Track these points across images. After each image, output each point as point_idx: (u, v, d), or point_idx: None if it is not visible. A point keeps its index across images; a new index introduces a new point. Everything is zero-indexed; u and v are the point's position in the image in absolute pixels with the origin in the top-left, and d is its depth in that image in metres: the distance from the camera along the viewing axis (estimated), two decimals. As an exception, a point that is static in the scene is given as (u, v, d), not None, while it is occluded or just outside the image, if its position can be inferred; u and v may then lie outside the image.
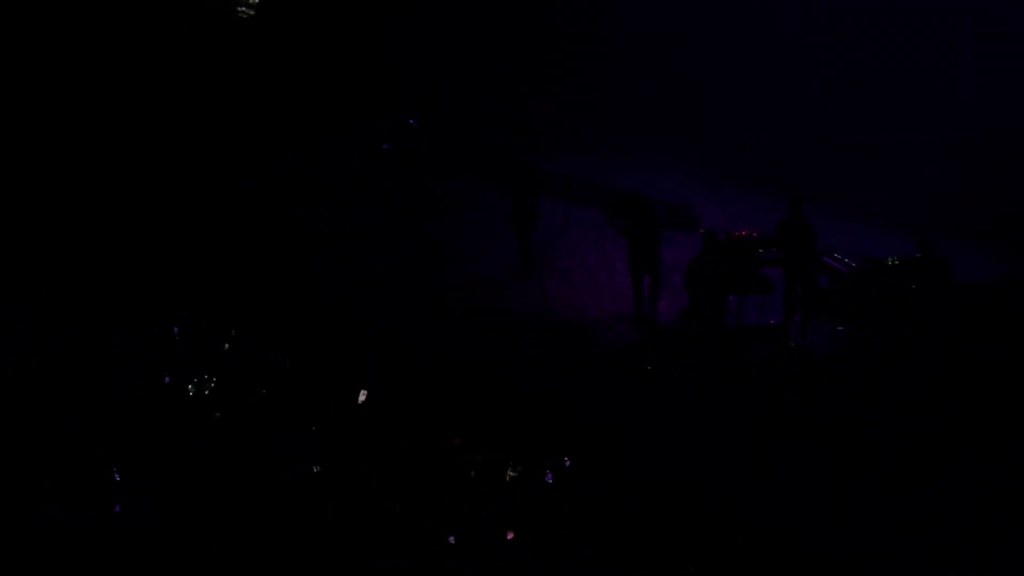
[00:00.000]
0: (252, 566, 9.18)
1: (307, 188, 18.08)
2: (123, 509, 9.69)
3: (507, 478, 10.25)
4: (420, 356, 12.94)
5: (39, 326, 12.91)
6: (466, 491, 10.03)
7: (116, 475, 10.12)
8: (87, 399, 11.34)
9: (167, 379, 11.88)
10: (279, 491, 9.99)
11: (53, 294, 13.73)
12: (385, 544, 9.43)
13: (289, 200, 17.73)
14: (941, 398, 11.52)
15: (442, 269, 15.99)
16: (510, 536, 9.49)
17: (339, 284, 15.22)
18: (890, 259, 13.19)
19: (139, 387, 11.63)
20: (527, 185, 15.64)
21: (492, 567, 9.24)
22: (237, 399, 11.47)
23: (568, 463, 10.48)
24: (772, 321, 13.64)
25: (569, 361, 13.04)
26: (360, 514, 9.72)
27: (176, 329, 12.89)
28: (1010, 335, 12.05)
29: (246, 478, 10.13)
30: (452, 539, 9.45)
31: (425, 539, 9.45)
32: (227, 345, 12.55)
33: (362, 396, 11.62)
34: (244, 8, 19.05)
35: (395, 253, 16.27)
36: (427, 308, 14.48)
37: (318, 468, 10.33)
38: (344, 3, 19.62)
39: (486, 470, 10.38)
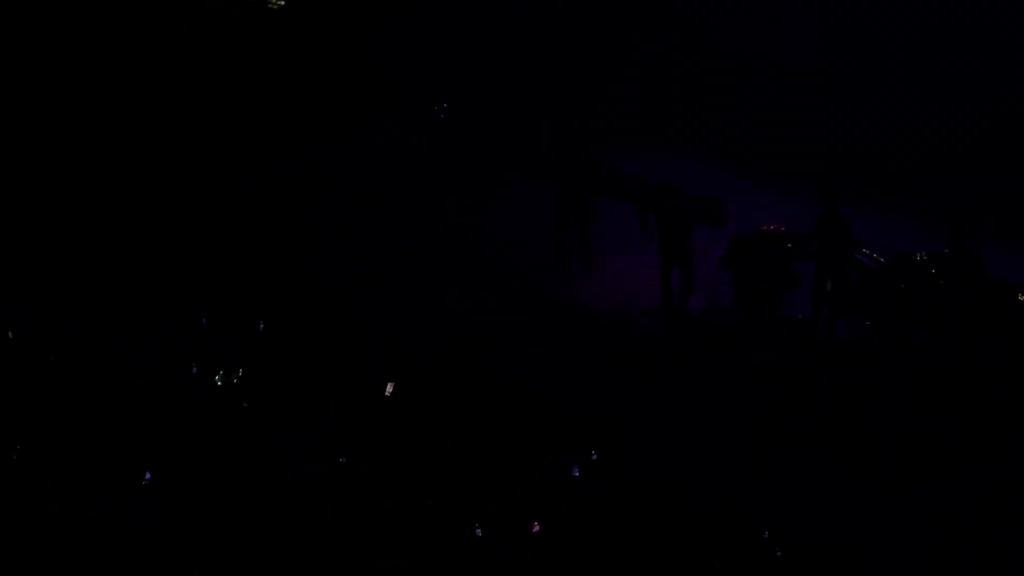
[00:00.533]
0: (252, 566, 9.18)
1: (307, 188, 18.09)
2: (123, 509, 9.70)
3: (508, 477, 10.25)
4: (420, 356, 12.95)
5: (39, 326, 12.91)
6: (466, 491, 10.04)
7: (148, 475, 10.14)
8: (87, 399, 11.35)
9: (195, 369, 11.93)
10: (279, 491, 9.99)
11: (53, 294, 13.73)
12: (385, 544, 9.43)
13: (289, 200, 17.74)
14: (941, 398, 11.54)
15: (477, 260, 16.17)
16: (536, 528, 9.52)
17: (339, 284, 15.23)
18: (918, 255, 13.16)
19: (139, 387, 11.63)
20: (575, 179, 15.81)
21: (492, 567, 9.24)
22: (237, 399, 11.48)
23: (595, 456, 10.56)
24: (800, 316, 13.70)
25: (570, 361, 13.06)
26: (360, 514, 9.73)
27: (204, 320, 12.96)
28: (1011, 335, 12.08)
29: (246, 478, 10.14)
30: (479, 531, 9.50)
31: (425, 539, 9.46)
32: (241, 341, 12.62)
33: (389, 388, 11.66)
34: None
35: (395, 253, 16.28)
36: (427, 308, 14.50)
37: (343, 459, 10.37)
38: (344, 3, 19.64)
39: (486, 470, 10.38)
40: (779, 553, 9.49)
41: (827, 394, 11.96)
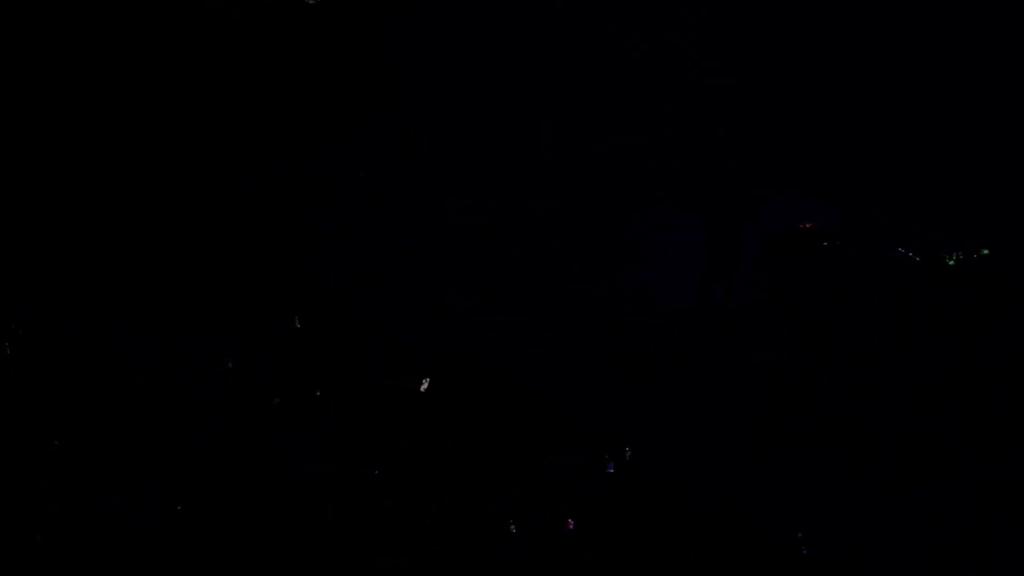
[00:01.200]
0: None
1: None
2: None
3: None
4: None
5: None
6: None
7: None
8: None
9: (230, 364, 11.93)
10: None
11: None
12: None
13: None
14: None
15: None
16: (571, 526, 9.51)
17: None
18: (953, 255, 13.08)
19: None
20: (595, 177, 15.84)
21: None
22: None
23: (629, 453, 10.55)
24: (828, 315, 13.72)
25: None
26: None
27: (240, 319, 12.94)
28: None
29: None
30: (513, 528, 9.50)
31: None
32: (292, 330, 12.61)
33: (424, 384, 11.66)
34: None
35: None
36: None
37: (377, 474, 10.36)
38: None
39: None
40: (779, 553, 9.48)
41: (827, 394, 11.96)
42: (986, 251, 12.91)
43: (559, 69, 20.88)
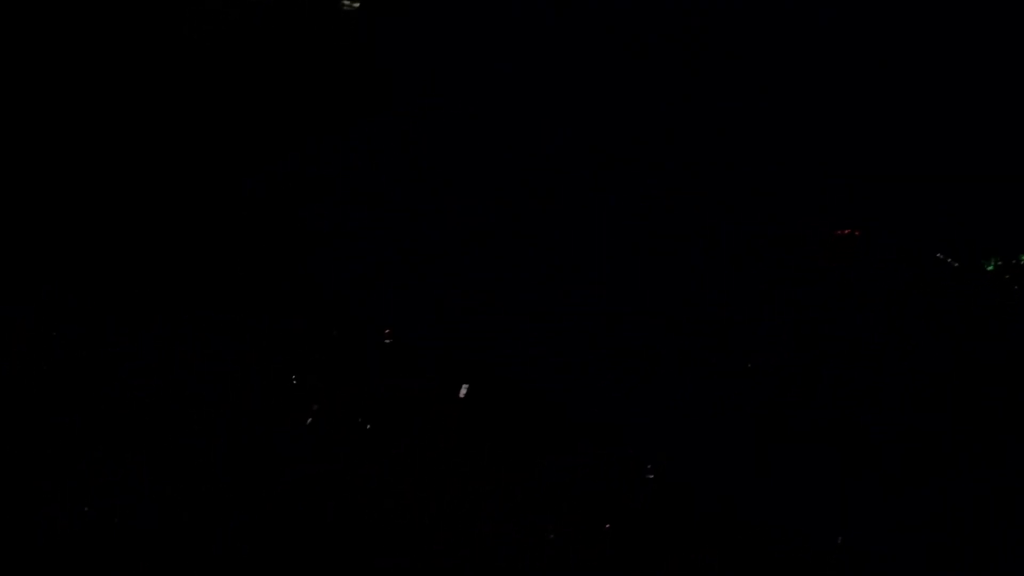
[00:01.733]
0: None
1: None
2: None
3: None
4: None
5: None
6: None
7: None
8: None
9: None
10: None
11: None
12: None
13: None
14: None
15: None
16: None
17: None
18: (993, 261, 12.99)
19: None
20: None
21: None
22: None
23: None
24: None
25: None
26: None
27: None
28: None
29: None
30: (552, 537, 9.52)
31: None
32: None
33: (463, 391, 11.67)
34: (349, 1, 19.10)
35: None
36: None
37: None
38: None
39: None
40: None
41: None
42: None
43: (559, 69, 20.88)
